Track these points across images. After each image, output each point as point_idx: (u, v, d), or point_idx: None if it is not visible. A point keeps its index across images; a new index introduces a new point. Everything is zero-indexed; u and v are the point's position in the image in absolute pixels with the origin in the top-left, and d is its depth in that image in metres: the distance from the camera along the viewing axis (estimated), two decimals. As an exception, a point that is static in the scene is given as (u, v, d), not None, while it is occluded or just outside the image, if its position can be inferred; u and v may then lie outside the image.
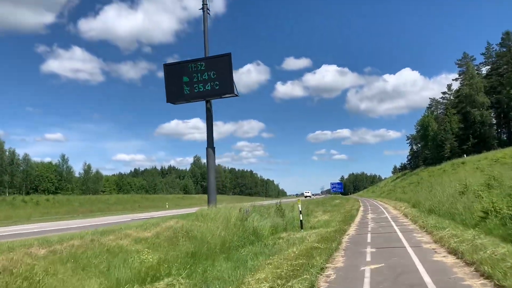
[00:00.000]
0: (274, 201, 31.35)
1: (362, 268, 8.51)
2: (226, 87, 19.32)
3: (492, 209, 10.28)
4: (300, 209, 20.35)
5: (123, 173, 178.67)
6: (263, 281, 7.69)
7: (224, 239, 13.76)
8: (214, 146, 20.62)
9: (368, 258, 9.63)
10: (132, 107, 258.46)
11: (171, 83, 20.22)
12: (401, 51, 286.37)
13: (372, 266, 8.57)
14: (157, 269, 8.72)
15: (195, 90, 19.69)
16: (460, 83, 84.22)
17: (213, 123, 20.83)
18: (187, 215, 16.83)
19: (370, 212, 30.05)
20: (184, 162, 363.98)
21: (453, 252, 9.00)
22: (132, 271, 8.08)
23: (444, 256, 8.94)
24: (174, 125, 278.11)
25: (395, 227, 16.32)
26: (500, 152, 35.92)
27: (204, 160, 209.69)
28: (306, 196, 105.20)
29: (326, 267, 8.85)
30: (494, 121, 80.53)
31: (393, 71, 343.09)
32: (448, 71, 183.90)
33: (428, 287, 6.40)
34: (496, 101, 76.22)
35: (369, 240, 13.03)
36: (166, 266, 9.06)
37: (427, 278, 6.97)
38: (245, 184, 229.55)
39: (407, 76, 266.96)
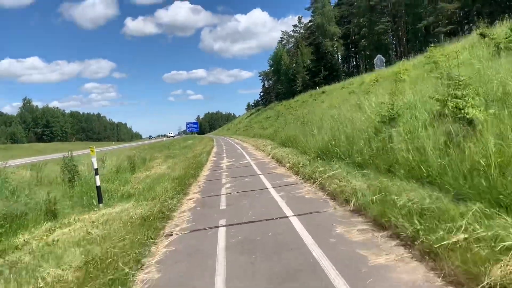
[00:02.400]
0: (125, 145, 20.59)
1: None
2: None
3: None
4: (95, 167, 10.26)
5: None
6: None
7: None
8: None
9: None
10: None
11: None
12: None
13: None
14: None
15: None
16: (312, 12, 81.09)
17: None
18: None
19: (225, 155, 21.80)
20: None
21: None
22: None
23: None
24: (6, 64, 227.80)
25: (275, 194, 7.87)
26: (371, 74, 31.13)
27: (36, 103, 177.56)
28: (169, 137, 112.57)
29: None
30: (340, 52, 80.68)
31: (245, 11, 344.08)
32: (295, 13, 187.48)
33: None
34: (345, 32, 75.61)
35: (219, 270, 4.13)
36: None
37: None
38: (92, 129, 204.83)
39: (258, 17, 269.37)
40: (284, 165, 12.36)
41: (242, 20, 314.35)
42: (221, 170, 14.24)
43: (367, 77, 29.98)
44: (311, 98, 44.24)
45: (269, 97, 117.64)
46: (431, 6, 60.22)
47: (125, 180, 14.19)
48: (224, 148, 30.38)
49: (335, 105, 22.35)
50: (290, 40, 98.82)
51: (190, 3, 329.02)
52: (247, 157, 18.42)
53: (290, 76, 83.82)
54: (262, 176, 11.00)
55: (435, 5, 59.14)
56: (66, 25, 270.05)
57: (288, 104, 55.50)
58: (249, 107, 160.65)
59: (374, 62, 52.90)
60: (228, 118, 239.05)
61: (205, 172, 14.53)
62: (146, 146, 40.62)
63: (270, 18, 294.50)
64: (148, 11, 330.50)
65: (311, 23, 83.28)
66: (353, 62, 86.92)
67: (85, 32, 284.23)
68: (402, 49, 68.03)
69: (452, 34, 54.19)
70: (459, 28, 61.29)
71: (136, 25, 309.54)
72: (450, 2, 58.80)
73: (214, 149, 29.40)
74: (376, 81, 22.81)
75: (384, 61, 51.31)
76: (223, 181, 11.23)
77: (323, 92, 42.00)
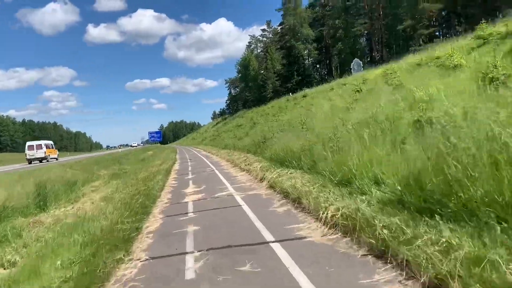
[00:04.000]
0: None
1: None
2: None
3: None
4: None
5: None
6: None
7: None
8: None
9: None
10: None
11: None
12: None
13: None
14: None
15: None
16: (283, 14, 75.60)
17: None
18: None
19: (191, 177, 15.18)
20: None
21: None
22: None
23: None
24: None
25: None
26: (376, 70, 25.34)
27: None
28: (132, 146, 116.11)
29: None
30: (313, 57, 75.50)
31: (210, 20, 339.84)
32: (260, 23, 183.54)
33: None
34: (318, 35, 70.70)
35: None
36: None
37: None
38: (47, 138, 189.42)
39: (223, 26, 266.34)
40: (316, 215, 6.01)
41: (207, 29, 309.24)
42: (185, 218, 7.67)
43: (368, 74, 24.31)
44: (289, 103, 38.43)
45: (236, 105, 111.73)
46: (410, 6, 56.13)
47: None
48: (189, 163, 23.61)
49: (341, 106, 16.40)
50: (259, 45, 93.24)
51: (154, 11, 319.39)
52: (227, 183, 11.79)
53: (259, 82, 78.37)
54: (282, 253, 4.61)
55: (415, 5, 55.02)
56: (25, 31, 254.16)
57: (262, 110, 49.43)
58: (215, 116, 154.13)
59: (351, 67, 48.43)
60: (193, 127, 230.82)
61: (154, 219, 7.89)
62: (92, 159, 33.05)
63: (235, 28, 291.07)
64: (110, 18, 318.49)
65: (281, 26, 78.07)
66: (324, 67, 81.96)
67: (45, 38, 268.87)
68: (377, 53, 63.97)
69: (431, 38, 50.18)
70: (439, 31, 57.85)
71: (98, 33, 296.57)
72: (435, 2, 54.89)
73: (176, 166, 22.60)
74: (391, 73, 17.12)
75: (362, 65, 47.06)
76: (189, 273, 4.68)
77: (304, 96, 36.21)
